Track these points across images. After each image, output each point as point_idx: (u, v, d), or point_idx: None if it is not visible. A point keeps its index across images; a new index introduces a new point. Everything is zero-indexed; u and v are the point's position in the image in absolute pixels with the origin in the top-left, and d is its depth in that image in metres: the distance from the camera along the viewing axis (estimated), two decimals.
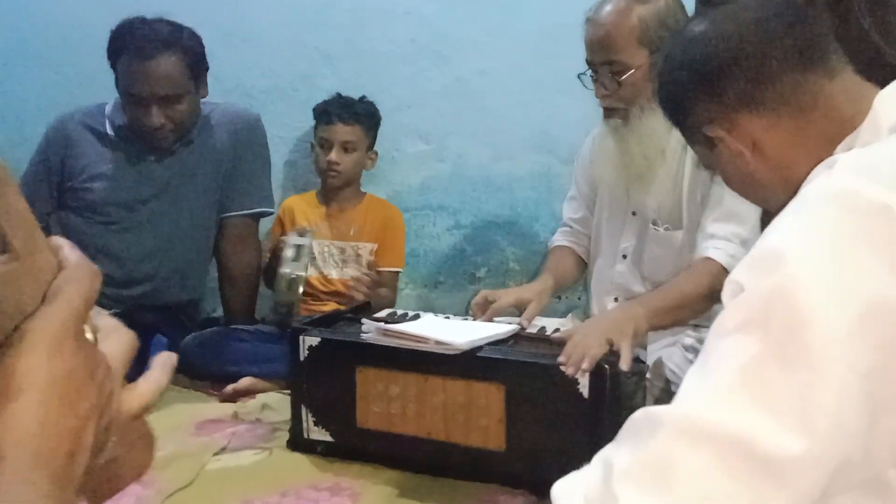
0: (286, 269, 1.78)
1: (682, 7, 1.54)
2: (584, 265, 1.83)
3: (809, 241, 0.66)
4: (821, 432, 0.59)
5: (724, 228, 1.47)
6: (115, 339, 0.39)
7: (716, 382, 0.62)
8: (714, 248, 1.46)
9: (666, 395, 1.60)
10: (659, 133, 1.55)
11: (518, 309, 1.58)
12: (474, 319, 1.56)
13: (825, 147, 0.81)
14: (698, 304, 1.42)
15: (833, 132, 0.81)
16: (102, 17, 1.92)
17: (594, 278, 1.79)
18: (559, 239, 1.85)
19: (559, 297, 2.29)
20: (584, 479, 0.65)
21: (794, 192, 0.82)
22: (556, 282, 1.69)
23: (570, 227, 1.85)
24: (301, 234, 1.85)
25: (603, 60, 1.52)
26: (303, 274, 1.80)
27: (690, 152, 1.58)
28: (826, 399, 0.59)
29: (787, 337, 0.61)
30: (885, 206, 0.64)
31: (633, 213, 1.68)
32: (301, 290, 1.80)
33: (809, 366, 0.60)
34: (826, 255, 0.64)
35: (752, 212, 1.49)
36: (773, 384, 0.60)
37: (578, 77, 1.58)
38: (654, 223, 1.64)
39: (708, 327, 1.68)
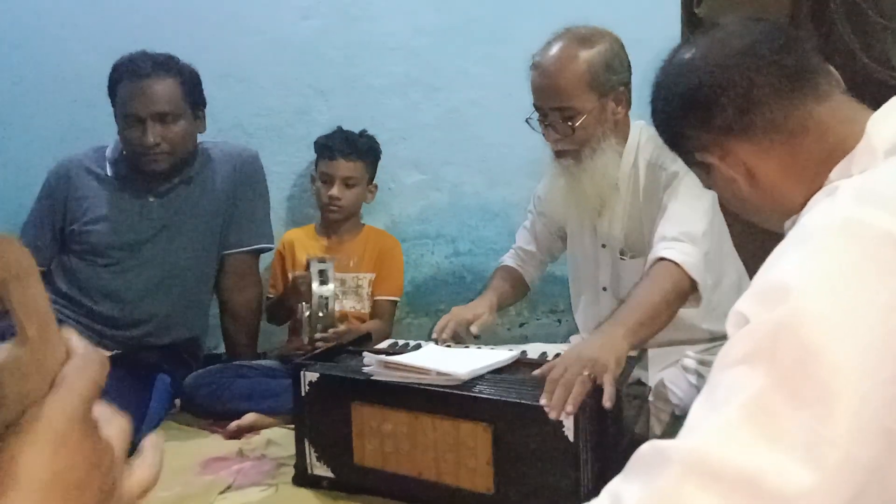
0: (317, 292, 1.88)
1: (623, 47, 1.57)
2: (526, 288, 1.89)
3: (815, 273, 0.65)
4: (830, 466, 0.57)
5: (673, 229, 1.48)
6: (114, 425, 0.39)
7: (722, 417, 0.61)
8: (666, 249, 1.45)
9: (674, 420, 1.59)
10: (610, 169, 1.58)
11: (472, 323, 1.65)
12: (437, 342, 1.58)
13: (819, 171, 0.80)
14: (668, 310, 1.40)
15: (826, 156, 0.80)
16: (103, 63, 1.96)
17: (581, 316, 1.81)
18: (507, 259, 1.89)
19: (559, 321, 2.30)
20: None
21: (789, 215, 0.83)
22: (498, 299, 1.75)
23: (520, 254, 1.88)
24: (321, 261, 1.91)
25: (553, 107, 1.53)
26: (331, 293, 1.90)
27: (642, 181, 1.60)
28: (836, 432, 0.58)
29: (795, 370, 0.60)
30: (891, 234, 0.63)
31: (603, 246, 1.70)
32: (334, 307, 1.91)
33: (818, 399, 0.59)
34: (833, 286, 0.63)
35: (701, 213, 1.50)
36: (779, 418, 0.59)
37: (526, 121, 1.59)
38: (622, 253, 1.66)
39: (700, 342, 1.67)
